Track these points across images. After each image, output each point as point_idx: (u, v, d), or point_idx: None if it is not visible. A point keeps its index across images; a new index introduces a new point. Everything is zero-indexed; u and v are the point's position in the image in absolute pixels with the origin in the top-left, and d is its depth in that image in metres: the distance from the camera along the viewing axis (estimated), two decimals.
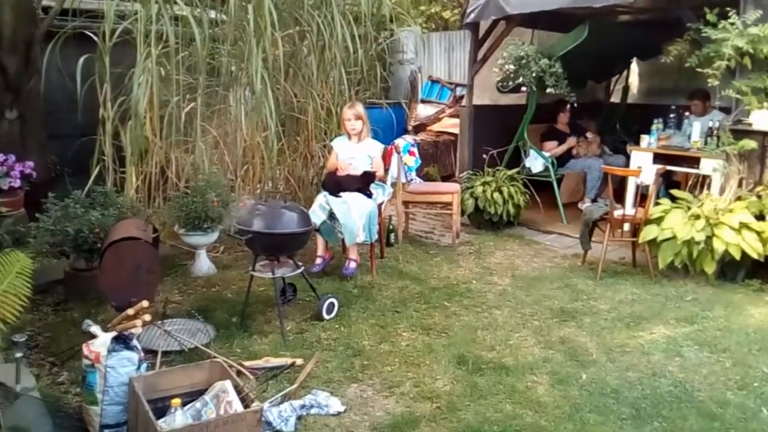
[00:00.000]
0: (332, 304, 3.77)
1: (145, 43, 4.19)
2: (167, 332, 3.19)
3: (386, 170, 5.34)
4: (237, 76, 4.64)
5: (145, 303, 2.57)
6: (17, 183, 4.75)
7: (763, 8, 4.29)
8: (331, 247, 4.65)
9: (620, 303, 4.02)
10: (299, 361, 3.17)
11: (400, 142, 5.47)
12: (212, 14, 4.62)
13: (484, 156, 5.97)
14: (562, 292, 4.23)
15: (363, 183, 4.45)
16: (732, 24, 4.31)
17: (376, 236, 4.50)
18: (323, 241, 4.49)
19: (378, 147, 4.67)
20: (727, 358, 3.26)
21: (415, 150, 5.61)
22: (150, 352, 3.12)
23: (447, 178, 7.28)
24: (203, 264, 4.52)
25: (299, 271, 3.66)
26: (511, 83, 5.90)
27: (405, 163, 5.47)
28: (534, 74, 5.49)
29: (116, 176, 4.53)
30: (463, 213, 5.78)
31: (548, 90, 5.64)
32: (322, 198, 4.41)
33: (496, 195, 5.67)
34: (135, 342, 2.60)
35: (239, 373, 3.01)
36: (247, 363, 3.17)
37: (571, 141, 6.61)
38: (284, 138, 5.08)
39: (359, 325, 3.66)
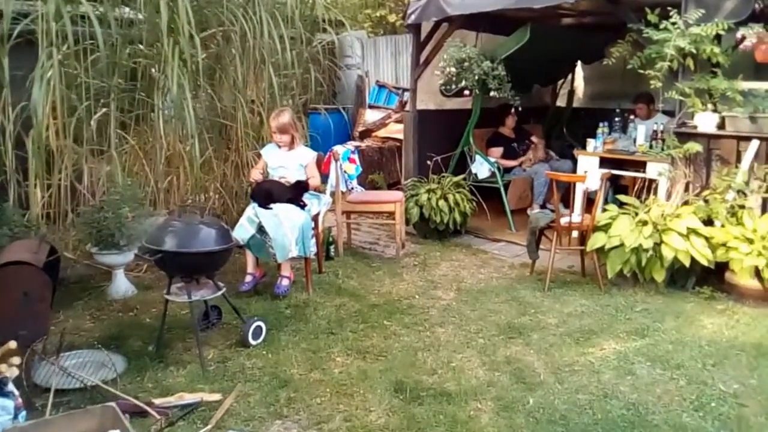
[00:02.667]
0: (259, 327, 3.43)
1: (47, 43, 3.76)
2: (62, 369, 2.78)
3: (325, 179, 5.05)
4: (156, 80, 4.25)
5: (12, 344, 2.18)
6: None
7: (706, 7, 4.17)
8: (264, 263, 4.30)
9: (569, 316, 3.81)
10: (214, 397, 2.82)
11: (339, 149, 5.18)
12: (126, 12, 4.22)
13: (429, 162, 5.72)
14: (509, 305, 3.99)
15: (295, 193, 4.13)
16: (673, 24, 4.17)
17: (312, 250, 4.18)
18: (253, 258, 4.14)
19: (311, 154, 4.35)
20: (681, 375, 3.06)
21: (355, 157, 5.32)
22: (47, 392, 2.73)
23: (393, 185, 7.02)
24: (120, 285, 4.11)
25: (220, 293, 3.30)
26: (454, 87, 5.67)
27: (345, 171, 5.17)
28: (476, 77, 5.28)
29: (21, 190, 4.07)
30: (408, 222, 5.52)
31: (492, 93, 5.43)
32: (251, 210, 4.07)
33: (441, 203, 5.42)
34: (10, 387, 2.21)
35: (145, 413, 2.64)
36: (157, 400, 2.80)
37: (525, 159, 6.41)
38: (211, 147, 4.71)
39: (289, 351, 3.33)
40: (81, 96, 3.98)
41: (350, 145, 5.26)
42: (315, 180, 4.31)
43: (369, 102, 9.62)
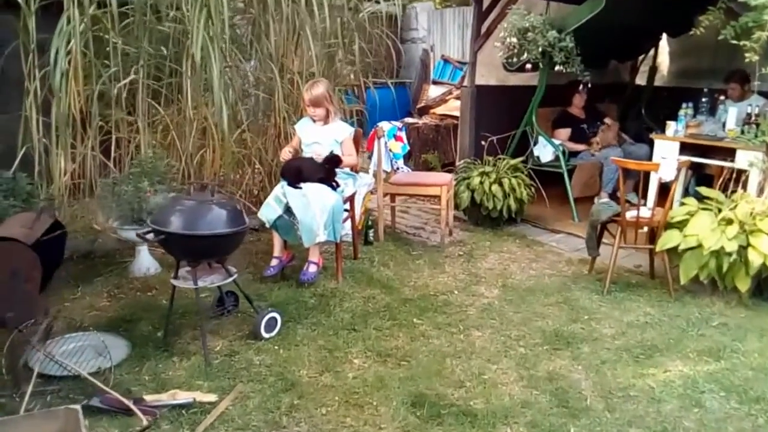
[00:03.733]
0: (273, 320, 3.13)
1: (69, 4, 3.54)
2: (47, 355, 2.57)
3: (368, 157, 4.69)
4: (186, 47, 3.97)
5: None
6: None
7: None
8: (293, 246, 3.98)
9: (629, 327, 3.29)
10: (209, 397, 2.54)
11: (385, 125, 4.78)
12: None
13: (483, 143, 5.23)
14: (560, 308, 3.51)
15: (327, 172, 3.77)
16: None
17: (347, 234, 3.83)
18: (280, 240, 3.83)
19: (347, 130, 3.98)
20: (761, 411, 2.52)
21: (402, 135, 4.91)
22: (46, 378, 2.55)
23: (448, 166, 6.55)
24: (143, 262, 3.91)
25: (230, 279, 3.01)
26: (516, 59, 5.13)
27: (390, 150, 4.78)
28: (540, 49, 4.72)
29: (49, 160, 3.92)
30: (457, 207, 5.07)
31: (557, 68, 4.86)
32: (279, 189, 3.76)
33: (495, 188, 4.94)
34: None
35: (129, 411, 2.39)
36: (149, 397, 2.55)
37: (594, 142, 5.76)
38: (246, 120, 4.42)
39: (303, 348, 3.01)
40: (109, 61, 3.77)
41: (397, 122, 4.84)
42: (351, 158, 3.94)
43: (433, 77, 9.15)
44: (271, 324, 3.11)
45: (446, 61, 9.04)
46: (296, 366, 2.84)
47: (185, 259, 2.92)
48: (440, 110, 7.49)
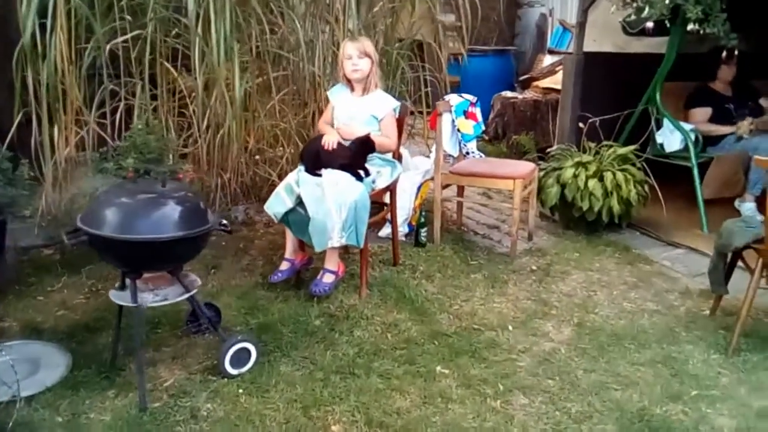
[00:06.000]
0: (245, 352, 2.37)
1: None
2: None
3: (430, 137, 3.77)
4: None
5: None
6: None
7: None
8: (311, 247, 3.19)
9: (761, 419, 2.15)
10: None
11: (453, 99, 3.80)
12: None
13: (581, 125, 4.09)
14: (657, 372, 2.43)
15: (353, 156, 2.92)
16: None
17: (388, 233, 2.98)
18: (294, 239, 3.05)
19: (389, 104, 3.10)
20: None
21: (476, 112, 3.91)
22: None
23: (545, 151, 5.42)
24: None
25: (186, 295, 2.27)
26: (638, 18, 3.92)
27: (459, 130, 3.81)
28: (668, 1, 3.49)
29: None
30: (543, 204, 4.02)
31: (690, 27, 3.59)
32: (293, 175, 2.98)
33: (593, 183, 3.81)
34: None
35: None
36: None
37: (744, 125, 4.36)
38: (279, 92, 3.68)
39: (273, 396, 2.23)
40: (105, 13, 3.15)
41: (470, 95, 3.86)
42: (386, 140, 3.06)
43: (550, 45, 7.94)
44: (241, 357, 2.36)
45: (564, 27, 7.78)
46: (252, 427, 2.06)
47: (121, 269, 2.21)
48: (545, 83, 6.31)
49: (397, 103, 3.13)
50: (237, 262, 3.38)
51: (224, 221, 2.36)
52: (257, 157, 3.98)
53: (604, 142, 4.11)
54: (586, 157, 3.98)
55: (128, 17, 3.44)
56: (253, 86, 3.74)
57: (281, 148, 4.03)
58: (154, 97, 3.60)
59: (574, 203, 3.86)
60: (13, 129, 3.38)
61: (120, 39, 3.28)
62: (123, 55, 3.37)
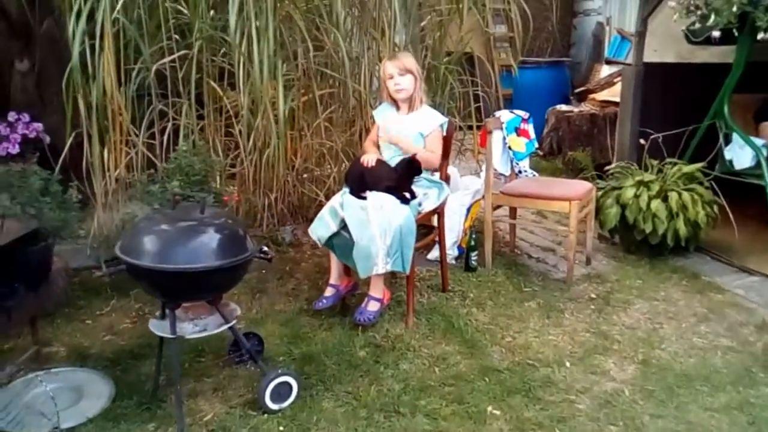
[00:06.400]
0: (286, 386, 2.26)
1: None
2: None
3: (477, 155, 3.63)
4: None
5: None
6: (15, 149, 3.94)
7: None
8: (356, 272, 3.08)
9: None
10: None
11: (504, 115, 3.64)
12: None
13: (642, 141, 3.85)
14: (733, 420, 2.19)
15: (399, 179, 2.80)
16: None
17: (442, 258, 2.84)
18: (339, 264, 2.94)
19: (436, 119, 2.97)
20: None
21: (528, 128, 3.73)
22: None
23: (603, 167, 5.16)
24: None
25: (224, 326, 2.19)
26: (702, 26, 3.67)
27: (510, 147, 3.64)
28: (735, 8, 3.24)
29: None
30: (602, 226, 3.79)
31: (761, 36, 3.33)
32: (338, 198, 2.87)
33: (656, 204, 3.57)
34: None
35: None
36: None
37: None
38: (325, 110, 3.60)
39: None
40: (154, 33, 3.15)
41: (522, 111, 3.68)
42: (433, 155, 2.92)
43: (607, 56, 7.66)
44: (282, 392, 2.25)
45: (622, 36, 7.49)
46: None
47: (159, 299, 2.15)
48: (602, 95, 6.04)
49: (444, 119, 3.00)
50: (282, 286, 3.30)
51: (265, 248, 2.27)
52: (305, 176, 3.91)
53: (668, 160, 3.86)
54: (648, 176, 3.75)
55: (176, 37, 3.45)
56: (300, 104, 3.69)
57: (328, 167, 3.96)
58: (201, 117, 3.60)
59: (636, 225, 3.62)
60: (65, 150, 3.43)
61: (167, 59, 3.28)
62: (170, 75, 3.37)
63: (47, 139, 4.05)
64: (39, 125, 4.08)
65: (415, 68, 2.94)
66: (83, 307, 3.05)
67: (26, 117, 4.08)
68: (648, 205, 3.58)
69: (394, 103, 3.02)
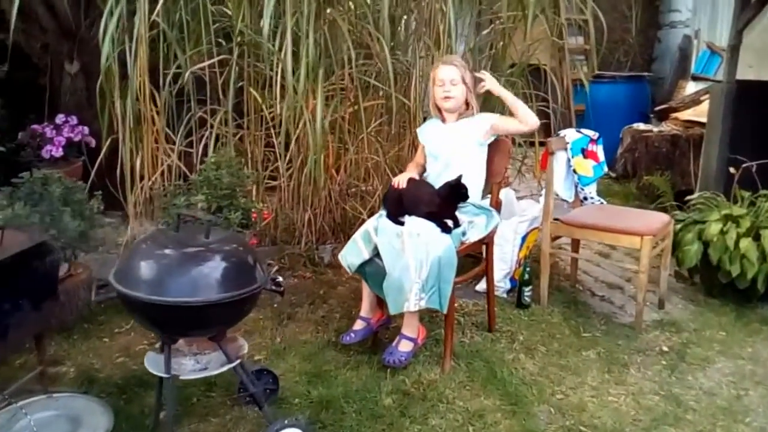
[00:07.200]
0: None
1: None
2: None
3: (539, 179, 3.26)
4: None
5: None
6: (58, 152, 3.89)
7: None
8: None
9: None
10: None
11: (570, 135, 3.24)
12: None
13: (731, 170, 3.35)
14: None
15: (441, 204, 2.48)
16: None
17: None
18: (371, 295, 2.64)
19: (488, 117, 2.67)
20: None
21: (597, 150, 3.32)
22: None
23: (684, 195, 4.63)
24: None
25: (227, 366, 1.93)
26: None
27: (576, 171, 3.24)
28: None
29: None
30: (680, 264, 3.32)
31: None
32: (373, 221, 2.58)
33: (746, 243, 3.07)
34: None
35: None
36: None
37: None
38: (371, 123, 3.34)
39: None
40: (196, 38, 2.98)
41: (589, 131, 3.27)
42: (528, 114, 2.61)
43: (694, 71, 7.04)
44: None
45: (712, 50, 6.87)
46: None
47: (154, 333, 1.92)
48: (686, 115, 5.47)
49: (496, 115, 2.68)
50: (313, 312, 3.04)
51: (278, 279, 2.01)
52: (348, 192, 3.65)
53: (762, 192, 3.35)
54: (737, 210, 3.25)
55: (222, 41, 3.29)
56: (345, 116, 3.43)
57: (373, 184, 3.69)
58: (240, 126, 3.41)
59: (721, 266, 3.13)
60: (101, 156, 3.32)
61: (206, 63, 3.10)
62: (211, 81, 3.20)
63: (92, 142, 3.98)
64: (85, 128, 4.02)
65: (469, 77, 2.62)
66: (103, 323, 2.89)
67: (74, 120, 4.04)
68: (736, 243, 3.09)
69: (440, 113, 2.70)
